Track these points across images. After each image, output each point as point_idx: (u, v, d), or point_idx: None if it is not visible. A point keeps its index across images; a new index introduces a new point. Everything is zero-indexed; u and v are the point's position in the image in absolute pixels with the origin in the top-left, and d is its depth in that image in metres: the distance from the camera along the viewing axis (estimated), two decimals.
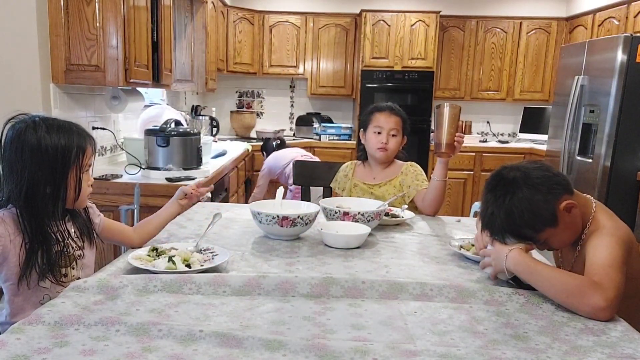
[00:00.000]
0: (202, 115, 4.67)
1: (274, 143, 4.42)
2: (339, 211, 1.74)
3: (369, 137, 2.22)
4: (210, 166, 3.03)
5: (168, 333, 0.98)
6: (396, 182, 2.19)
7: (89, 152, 1.35)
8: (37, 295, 1.30)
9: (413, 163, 2.24)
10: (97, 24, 2.41)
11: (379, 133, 2.17)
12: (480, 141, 5.42)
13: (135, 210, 2.33)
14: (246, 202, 4.33)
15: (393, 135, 2.18)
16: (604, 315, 1.12)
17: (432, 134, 5.20)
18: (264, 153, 4.49)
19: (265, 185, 4.24)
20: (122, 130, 3.25)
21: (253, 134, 5.50)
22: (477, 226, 1.50)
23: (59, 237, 1.33)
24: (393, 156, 2.24)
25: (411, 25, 5.09)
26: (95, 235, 1.46)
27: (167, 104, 3.92)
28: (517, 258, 1.26)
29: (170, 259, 1.32)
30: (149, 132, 2.76)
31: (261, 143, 4.69)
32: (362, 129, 2.27)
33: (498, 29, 5.33)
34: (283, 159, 4.10)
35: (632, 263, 1.26)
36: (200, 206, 2.14)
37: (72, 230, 1.39)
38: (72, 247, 1.37)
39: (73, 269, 1.36)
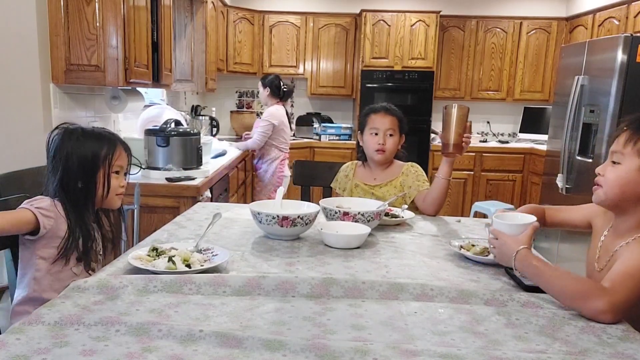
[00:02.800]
0: (202, 115, 4.67)
1: (284, 89, 4.13)
2: (339, 211, 1.74)
3: (366, 139, 2.22)
4: (210, 166, 3.03)
5: (168, 333, 0.98)
6: (397, 183, 2.19)
7: (117, 154, 1.54)
8: (67, 279, 1.42)
9: (413, 164, 2.24)
10: (97, 24, 2.41)
11: (376, 134, 2.18)
12: (480, 141, 5.42)
13: (135, 210, 2.32)
14: (246, 202, 4.32)
15: (390, 135, 2.18)
16: (605, 318, 1.12)
17: (432, 135, 5.25)
18: (268, 89, 4.14)
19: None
20: (122, 130, 3.25)
21: None
22: (491, 219, 1.46)
23: (92, 233, 1.53)
24: (392, 156, 2.24)
25: (411, 25, 5.09)
26: (114, 244, 1.65)
27: (167, 104, 3.92)
28: (524, 260, 1.26)
29: (170, 259, 1.32)
30: (149, 132, 2.76)
31: None
32: (359, 132, 2.28)
33: (498, 29, 5.33)
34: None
35: None
36: (200, 206, 2.14)
37: (101, 229, 1.60)
38: (99, 249, 1.56)
39: (97, 266, 1.54)
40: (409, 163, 2.25)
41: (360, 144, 2.27)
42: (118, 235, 1.68)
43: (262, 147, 4.13)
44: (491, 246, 1.39)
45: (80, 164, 1.49)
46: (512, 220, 1.39)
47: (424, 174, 2.21)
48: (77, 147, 1.49)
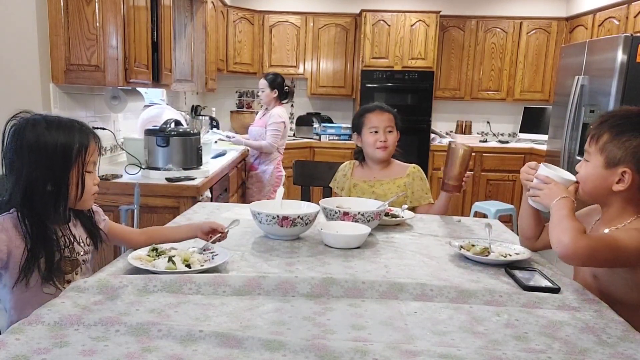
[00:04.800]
0: (202, 115, 4.67)
1: (286, 90, 4.10)
2: (339, 211, 1.74)
3: (366, 138, 2.22)
4: (210, 166, 3.03)
5: (168, 333, 0.98)
6: (400, 183, 2.20)
7: (92, 149, 1.32)
8: (41, 302, 1.24)
9: (419, 168, 2.26)
10: (97, 24, 2.41)
11: (376, 132, 2.18)
12: (480, 141, 5.42)
13: (135, 210, 2.32)
14: (245, 202, 4.32)
15: (390, 132, 2.20)
16: (562, 250, 1.21)
17: (432, 135, 5.26)
18: (276, 91, 4.05)
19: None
20: (122, 130, 3.25)
21: None
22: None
23: (63, 242, 1.32)
24: (392, 153, 2.25)
25: (411, 25, 5.09)
26: (100, 240, 1.45)
27: (167, 104, 3.92)
28: (562, 205, 1.31)
29: (170, 259, 1.31)
30: (148, 132, 2.76)
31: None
32: (355, 133, 2.28)
33: (498, 29, 5.33)
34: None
35: None
36: (200, 206, 2.14)
37: (78, 234, 1.38)
38: (78, 252, 1.36)
39: (77, 274, 1.35)
40: (413, 165, 2.26)
41: (359, 144, 2.27)
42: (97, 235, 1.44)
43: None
44: (534, 189, 1.43)
45: (49, 161, 1.24)
46: (558, 173, 1.44)
47: (427, 183, 2.25)
48: (43, 141, 1.24)
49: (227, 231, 1.53)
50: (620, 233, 1.29)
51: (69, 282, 1.32)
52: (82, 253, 1.38)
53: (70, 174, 1.28)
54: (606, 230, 1.36)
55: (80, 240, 1.39)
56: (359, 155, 2.30)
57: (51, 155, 1.25)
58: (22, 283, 1.25)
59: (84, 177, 1.31)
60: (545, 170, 1.43)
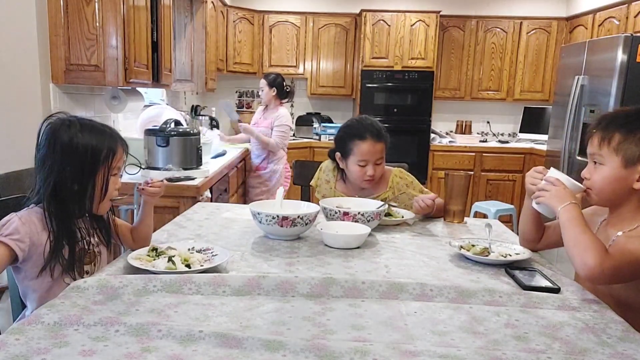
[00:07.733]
0: (202, 115, 4.67)
1: (286, 89, 4.08)
2: (339, 211, 1.74)
3: (352, 168, 2.01)
4: (210, 166, 3.03)
5: (168, 333, 0.98)
6: (384, 197, 2.05)
7: (119, 155, 1.39)
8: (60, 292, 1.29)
9: (401, 171, 2.11)
10: (97, 24, 2.40)
11: (365, 166, 1.99)
12: (480, 141, 5.42)
13: (135, 210, 2.32)
14: (245, 202, 4.31)
15: (378, 164, 2.01)
16: (588, 273, 1.19)
17: (432, 135, 5.26)
18: (275, 89, 4.02)
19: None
20: (122, 130, 3.24)
21: None
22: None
23: (83, 233, 1.37)
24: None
25: (411, 25, 5.09)
26: (114, 235, 1.49)
27: (167, 104, 3.92)
28: (570, 211, 1.29)
29: (170, 259, 1.32)
30: (148, 132, 2.76)
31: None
32: (339, 153, 2.05)
33: (498, 29, 5.33)
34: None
35: None
36: (200, 206, 2.14)
37: (93, 228, 1.43)
38: (95, 245, 1.41)
39: (95, 265, 1.40)
40: (393, 172, 2.10)
41: (341, 165, 2.07)
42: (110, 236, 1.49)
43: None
44: (541, 191, 1.39)
45: (78, 162, 1.31)
46: (567, 178, 1.43)
47: (414, 180, 2.11)
48: (76, 142, 1.31)
49: (163, 180, 1.58)
50: (638, 245, 1.25)
51: (87, 272, 1.37)
52: (97, 245, 1.42)
53: (96, 176, 1.34)
54: (619, 233, 1.33)
55: (95, 234, 1.43)
56: (342, 173, 2.11)
57: (81, 156, 1.32)
58: (46, 273, 1.30)
59: (108, 181, 1.37)
60: (556, 172, 1.41)
